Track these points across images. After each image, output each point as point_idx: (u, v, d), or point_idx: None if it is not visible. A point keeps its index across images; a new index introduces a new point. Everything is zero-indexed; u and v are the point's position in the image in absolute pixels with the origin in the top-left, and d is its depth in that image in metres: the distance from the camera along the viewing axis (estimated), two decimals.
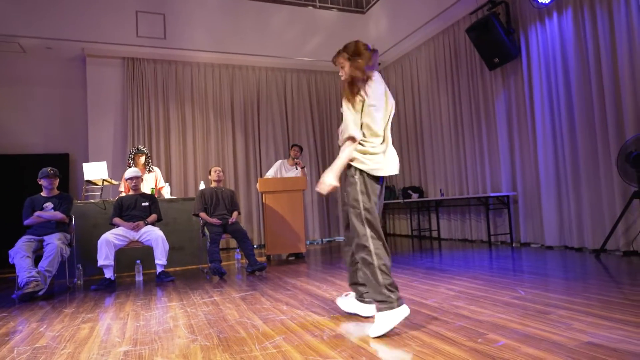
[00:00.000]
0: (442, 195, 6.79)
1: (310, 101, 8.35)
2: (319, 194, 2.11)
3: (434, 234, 7.21)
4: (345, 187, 2.32)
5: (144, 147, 5.64)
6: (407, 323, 2.27)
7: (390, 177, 8.38)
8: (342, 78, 2.37)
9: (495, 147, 5.93)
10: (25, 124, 7.00)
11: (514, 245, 5.59)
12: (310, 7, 8.08)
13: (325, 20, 8.11)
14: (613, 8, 4.32)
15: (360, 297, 2.48)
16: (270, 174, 5.98)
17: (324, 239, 8.17)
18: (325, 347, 1.99)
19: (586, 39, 4.61)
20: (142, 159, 5.50)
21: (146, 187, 5.36)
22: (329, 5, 8.26)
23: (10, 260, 3.86)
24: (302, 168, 5.88)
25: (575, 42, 4.72)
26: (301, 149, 6.08)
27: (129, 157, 5.57)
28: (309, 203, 8.02)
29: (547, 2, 4.90)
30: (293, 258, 5.64)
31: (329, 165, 8.29)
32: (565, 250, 4.84)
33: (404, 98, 7.97)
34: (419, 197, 7.31)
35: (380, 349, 1.91)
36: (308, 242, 7.91)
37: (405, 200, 7.44)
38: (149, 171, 5.57)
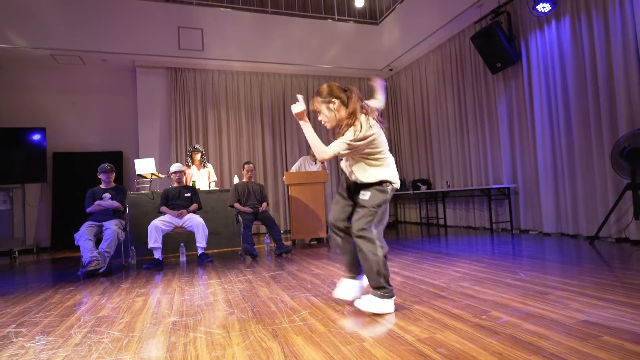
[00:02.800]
0: (449, 187, 6.69)
1: None
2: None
3: (441, 221, 7.13)
4: (365, 188, 2.21)
5: (199, 146, 5.69)
6: (418, 300, 2.26)
7: (401, 169, 8.33)
8: (323, 122, 2.24)
9: (497, 144, 5.80)
10: (85, 126, 7.20)
11: (514, 232, 5.47)
12: (330, 20, 8.02)
13: (342, 31, 8.03)
14: (609, 15, 4.15)
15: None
16: (294, 168, 6.00)
17: None
18: (346, 321, 2.00)
19: (583, 43, 4.44)
20: (198, 156, 5.60)
21: (201, 181, 5.49)
22: (346, 18, 8.18)
23: (75, 242, 4.00)
24: (322, 163, 5.88)
25: (572, 47, 4.56)
26: None
27: (188, 154, 5.66)
28: (329, 194, 8.02)
29: (546, 11, 4.74)
30: (315, 242, 5.66)
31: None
32: (561, 237, 4.72)
33: (413, 100, 7.86)
34: (427, 189, 7.22)
35: (394, 322, 1.91)
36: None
37: (415, 192, 7.36)
38: (204, 166, 5.66)
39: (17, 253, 5.87)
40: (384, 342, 1.67)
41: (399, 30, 7.67)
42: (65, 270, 4.36)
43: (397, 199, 8.52)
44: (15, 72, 6.80)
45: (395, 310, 2.11)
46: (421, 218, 7.59)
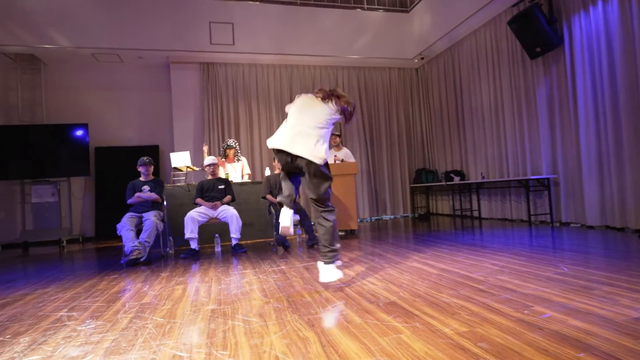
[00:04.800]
0: (484, 178, 6.49)
1: (360, 95, 8.23)
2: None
3: (475, 213, 6.93)
4: (319, 168, 2.51)
5: (232, 141, 5.76)
6: (455, 293, 2.22)
7: (433, 160, 8.16)
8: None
9: (535, 132, 5.55)
10: (124, 122, 7.49)
11: (554, 224, 5.24)
12: (359, 9, 7.89)
13: (372, 20, 7.89)
14: None
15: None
16: None
17: (372, 218, 8.12)
18: (381, 312, 1.98)
19: (633, 25, 4.14)
20: (232, 152, 5.69)
21: (234, 174, 5.60)
22: (376, 7, 8.02)
23: (117, 232, 4.18)
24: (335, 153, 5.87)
25: (620, 29, 4.26)
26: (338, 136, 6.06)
27: (222, 151, 5.77)
28: (359, 185, 7.99)
29: None
30: (343, 233, 5.66)
31: (378, 154, 8.15)
32: (606, 230, 4.47)
33: (446, 88, 7.64)
34: (460, 180, 7.03)
35: (431, 315, 1.88)
36: (359, 220, 7.89)
37: (448, 183, 7.19)
38: (237, 160, 5.76)
39: (65, 242, 6.21)
40: (422, 335, 1.65)
41: (430, 17, 7.45)
42: (109, 259, 4.58)
43: (428, 190, 8.36)
44: (60, 71, 7.14)
45: (432, 302, 2.08)
46: (454, 210, 7.41)
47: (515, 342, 1.51)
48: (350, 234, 5.61)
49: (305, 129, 2.54)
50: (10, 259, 5.22)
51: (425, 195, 8.45)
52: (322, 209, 2.59)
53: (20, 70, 6.88)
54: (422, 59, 8.14)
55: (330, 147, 6.03)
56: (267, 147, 7.62)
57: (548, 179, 5.31)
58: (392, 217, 8.24)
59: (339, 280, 2.60)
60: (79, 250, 5.80)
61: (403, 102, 8.47)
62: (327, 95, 2.65)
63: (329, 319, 1.94)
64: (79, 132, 6.74)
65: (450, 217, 7.39)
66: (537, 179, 5.34)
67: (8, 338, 1.96)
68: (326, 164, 2.57)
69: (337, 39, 7.65)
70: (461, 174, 7.16)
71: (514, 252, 3.40)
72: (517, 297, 2.09)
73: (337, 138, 6.00)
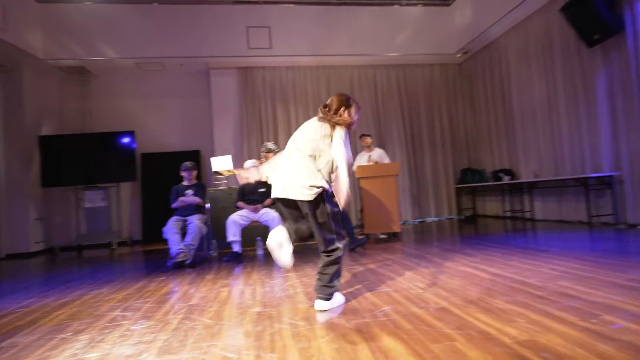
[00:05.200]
0: (536, 177, 6.17)
1: (399, 94, 8.11)
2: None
3: (527, 215, 6.61)
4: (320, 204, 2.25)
5: (272, 145, 5.84)
6: (511, 300, 2.12)
7: (479, 159, 7.88)
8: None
9: (595, 126, 5.20)
10: (167, 128, 7.84)
11: (619, 226, 4.89)
12: (397, 5, 7.79)
13: (411, 15, 7.76)
14: None
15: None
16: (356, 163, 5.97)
17: (415, 220, 7.96)
18: (432, 318, 1.93)
19: None
20: (271, 155, 5.77)
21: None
22: (414, 2, 7.88)
23: (163, 235, 4.38)
24: (370, 155, 5.81)
25: None
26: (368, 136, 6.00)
27: (262, 154, 5.87)
28: (400, 187, 7.86)
29: None
30: (385, 236, 5.59)
31: (420, 154, 7.98)
32: None
33: (492, 84, 7.36)
34: (510, 179, 6.74)
35: (486, 322, 1.81)
36: (401, 222, 7.76)
37: (496, 183, 6.91)
38: None
39: (115, 245, 6.59)
40: (478, 343, 1.59)
41: (473, 9, 7.21)
42: (156, 262, 4.80)
43: (475, 190, 8.07)
44: (107, 81, 7.61)
45: (486, 309, 2.00)
46: (504, 211, 7.10)
47: (583, 354, 1.42)
48: (392, 237, 5.52)
49: (294, 162, 2.30)
50: (67, 261, 5.60)
51: (471, 196, 8.17)
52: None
53: (72, 82, 7.40)
54: (466, 53, 7.90)
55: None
56: None
57: (611, 176, 4.97)
58: (436, 219, 8.03)
59: (339, 305, 2.29)
60: (128, 252, 6.12)
61: (445, 100, 8.25)
62: (324, 117, 2.37)
63: (378, 323, 1.92)
64: (126, 139, 7.13)
65: (500, 219, 7.09)
66: (598, 177, 5.01)
67: (69, 335, 2.10)
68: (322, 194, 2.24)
69: (374, 37, 7.60)
70: (511, 173, 6.86)
71: (575, 256, 3.20)
72: (582, 304, 1.96)
73: (368, 138, 5.95)
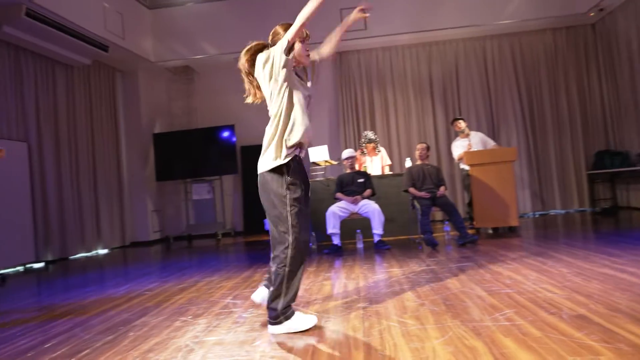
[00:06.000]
0: None
1: (515, 66, 7.44)
2: None
3: None
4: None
5: (372, 134, 5.88)
6: None
7: (620, 140, 6.87)
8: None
9: None
10: (262, 120, 8.27)
11: None
12: None
13: None
14: None
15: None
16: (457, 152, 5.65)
17: (536, 213, 7.29)
18: (567, 326, 1.76)
19: None
20: (371, 145, 5.83)
21: (372, 167, 5.74)
22: None
23: (265, 227, 4.69)
24: (468, 141, 5.42)
25: None
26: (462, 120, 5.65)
27: (362, 145, 5.95)
28: (518, 175, 7.25)
29: None
30: (490, 232, 5.22)
31: (542, 136, 7.33)
32: None
33: (638, 47, 6.32)
34: None
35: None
36: (519, 216, 7.19)
37: None
38: (378, 152, 5.89)
39: (220, 235, 7.27)
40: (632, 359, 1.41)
41: None
42: (258, 252, 5.17)
43: (615, 178, 7.06)
44: (209, 78, 8.34)
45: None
46: None
47: None
48: (509, 232, 5.14)
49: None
50: (180, 250, 6.36)
51: (610, 184, 7.18)
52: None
53: (178, 81, 8.29)
54: (601, 10, 6.89)
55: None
56: (406, 135, 7.54)
57: None
58: (562, 211, 7.25)
59: (308, 328, 1.99)
60: (231, 243, 6.71)
61: (574, 70, 7.34)
62: (251, 50, 2.13)
63: (499, 328, 1.81)
64: (226, 133, 7.76)
65: None
66: None
67: (190, 319, 2.39)
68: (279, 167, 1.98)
69: (483, 5, 7.05)
70: None
71: None
72: None
73: (461, 122, 5.60)
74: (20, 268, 5.48)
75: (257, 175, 2.16)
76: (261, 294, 2.25)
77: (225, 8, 7.42)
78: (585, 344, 1.56)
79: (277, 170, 2.02)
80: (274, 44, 2.08)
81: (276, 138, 2.04)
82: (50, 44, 5.77)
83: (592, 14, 6.99)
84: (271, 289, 2.00)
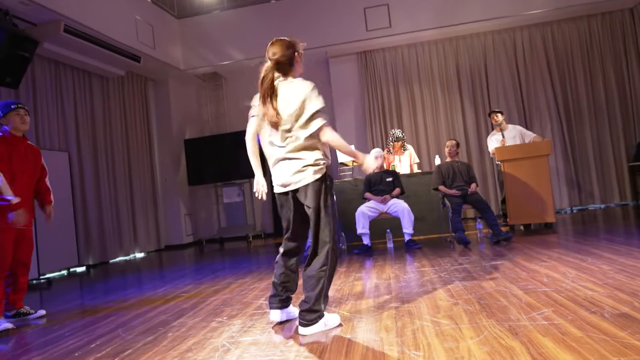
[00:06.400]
0: None
1: (547, 57, 7.20)
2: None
3: None
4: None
5: (399, 132, 5.84)
6: None
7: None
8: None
9: None
10: None
11: None
12: None
13: None
14: None
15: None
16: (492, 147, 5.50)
17: (574, 208, 7.02)
18: (610, 326, 1.70)
19: None
20: (399, 144, 5.79)
21: (400, 166, 5.70)
22: None
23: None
24: (502, 136, 5.26)
25: None
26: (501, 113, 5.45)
27: (389, 143, 5.93)
28: (553, 169, 7.00)
29: None
30: (522, 228, 5.06)
31: (578, 127, 7.07)
32: None
33: None
34: None
35: None
36: (556, 211, 6.95)
37: None
38: (405, 150, 5.84)
39: (251, 238, 7.39)
40: None
41: None
42: None
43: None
44: (236, 83, 8.50)
45: None
46: None
47: None
48: (545, 228, 4.99)
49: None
50: (213, 252, 6.52)
51: (632, 179, 6.83)
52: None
53: (207, 88, 8.49)
54: None
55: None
56: (434, 133, 7.43)
57: None
58: (602, 206, 6.95)
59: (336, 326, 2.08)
60: (262, 245, 6.81)
61: (612, 58, 7.03)
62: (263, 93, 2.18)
63: (537, 327, 1.77)
64: None
65: None
66: None
67: (225, 319, 2.46)
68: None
69: None
70: None
71: None
72: None
73: (499, 115, 5.42)
74: (65, 272, 5.77)
75: None
76: (277, 314, 2.26)
77: (249, 14, 7.55)
78: (629, 344, 1.51)
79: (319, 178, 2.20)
80: (283, 57, 2.20)
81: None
82: (86, 58, 6.04)
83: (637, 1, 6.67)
84: (312, 292, 2.02)
